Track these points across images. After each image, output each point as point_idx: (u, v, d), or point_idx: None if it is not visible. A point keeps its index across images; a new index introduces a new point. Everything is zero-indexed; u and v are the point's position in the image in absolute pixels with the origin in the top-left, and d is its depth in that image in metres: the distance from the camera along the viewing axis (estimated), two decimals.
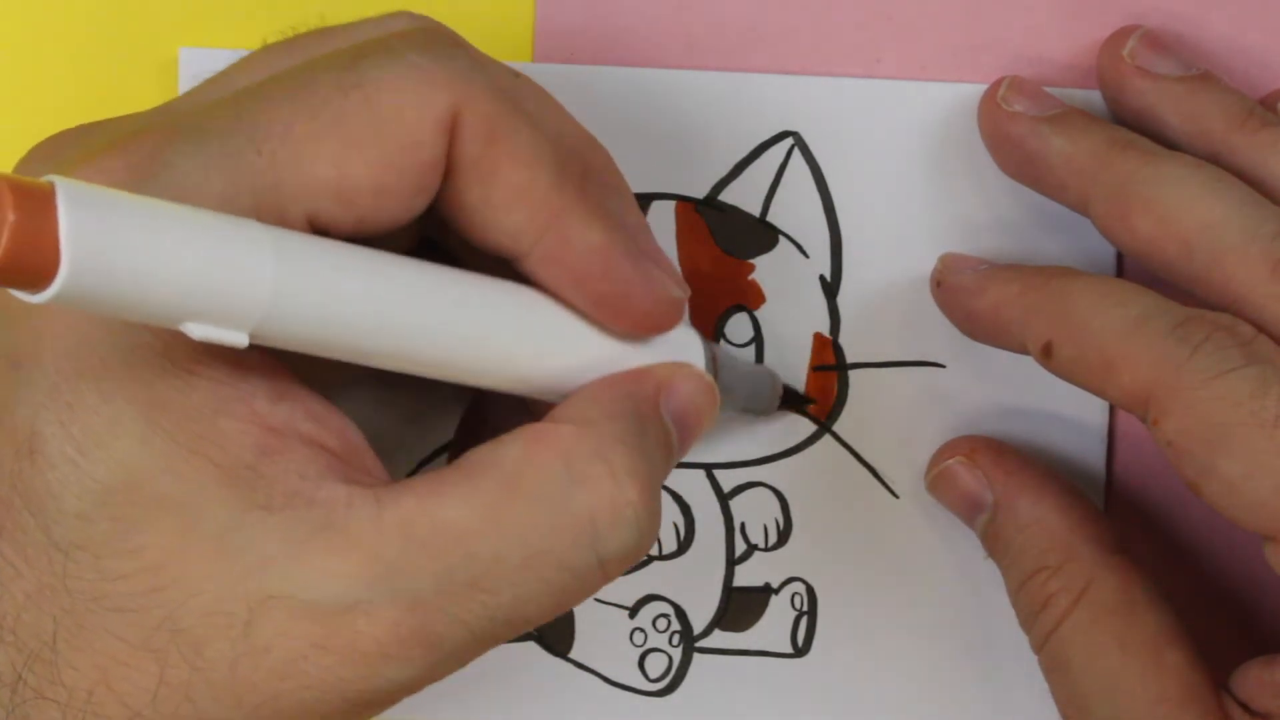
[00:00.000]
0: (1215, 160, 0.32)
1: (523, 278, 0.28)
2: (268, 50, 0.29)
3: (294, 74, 0.26)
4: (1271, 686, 0.30)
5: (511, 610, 0.25)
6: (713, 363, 0.31)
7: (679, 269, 0.35)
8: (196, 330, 0.22)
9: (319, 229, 0.25)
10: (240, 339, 0.23)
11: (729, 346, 0.35)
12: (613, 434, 0.26)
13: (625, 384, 0.28)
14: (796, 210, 0.36)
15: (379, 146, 0.25)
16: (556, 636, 0.36)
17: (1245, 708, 0.31)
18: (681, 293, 0.29)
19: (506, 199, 0.26)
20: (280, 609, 0.24)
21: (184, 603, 0.24)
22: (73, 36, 0.36)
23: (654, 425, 0.28)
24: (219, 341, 0.23)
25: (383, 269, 0.25)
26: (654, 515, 0.26)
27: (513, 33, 0.35)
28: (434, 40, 0.26)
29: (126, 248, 0.21)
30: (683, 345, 0.30)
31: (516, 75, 0.28)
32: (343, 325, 0.24)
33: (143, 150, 0.25)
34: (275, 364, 0.26)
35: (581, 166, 0.28)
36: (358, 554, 0.24)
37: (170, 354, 0.25)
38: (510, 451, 0.26)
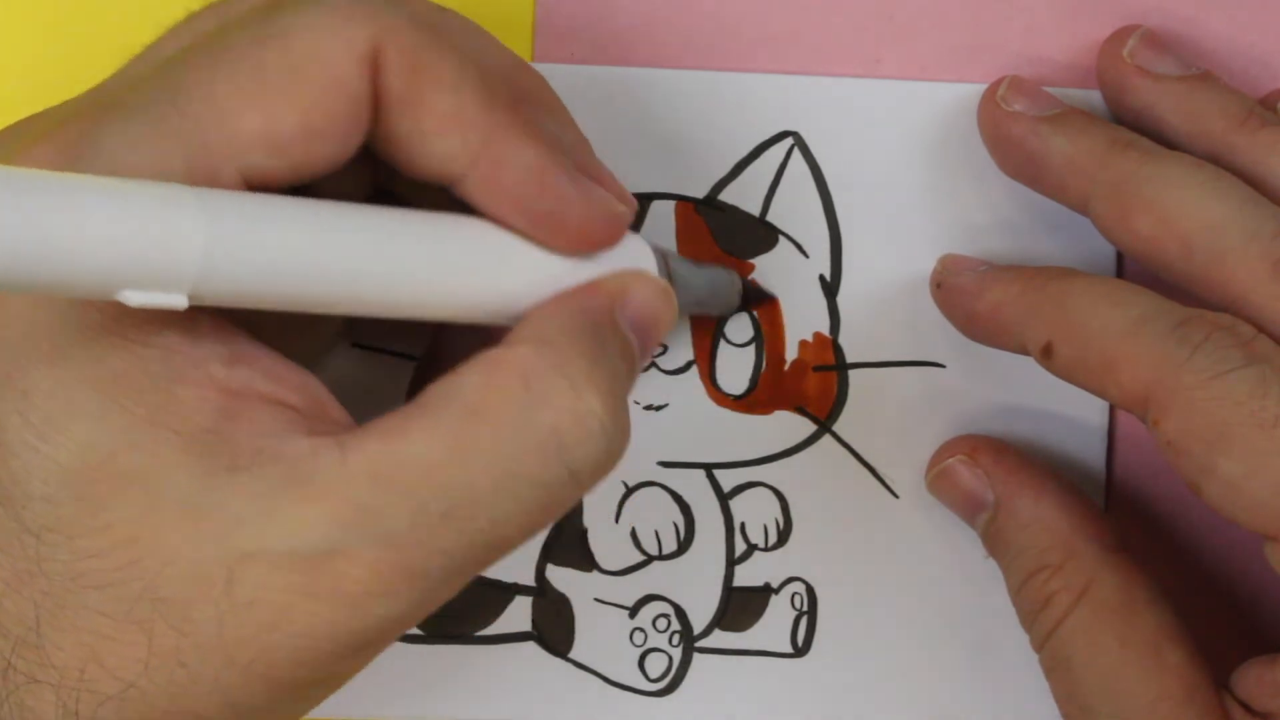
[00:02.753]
0: (1215, 160, 0.32)
1: (467, 209, 0.28)
2: (192, 18, 0.29)
3: (213, 35, 0.26)
4: (1272, 686, 0.30)
5: (491, 533, 0.25)
6: (665, 267, 0.31)
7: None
8: (134, 297, 0.22)
9: (257, 183, 0.25)
10: (179, 301, 0.23)
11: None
12: (570, 348, 0.26)
13: (578, 299, 0.28)
14: (796, 210, 0.36)
15: (302, 90, 0.25)
16: (556, 636, 0.36)
17: (1246, 707, 0.31)
18: (625, 208, 0.29)
19: (437, 126, 0.26)
20: (259, 564, 0.24)
21: (161, 571, 0.24)
22: (73, 37, 0.36)
23: (612, 335, 0.28)
24: (158, 306, 0.23)
25: (316, 214, 0.25)
26: (620, 423, 0.26)
27: (513, 33, 0.35)
28: None
29: (49, 224, 0.21)
30: (632, 255, 0.30)
31: (442, 10, 0.28)
32: (282, 275, 0.24)
33: (71, 134, 0.25)
34: (229, 327, 0.26)
35: (515, 91, 0.28)
36: (328, 500, 0.24)
37: (120, 329, 0.25)
38: (469, 380, 0.26)
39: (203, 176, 0.25)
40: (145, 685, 0.24)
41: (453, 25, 0.28)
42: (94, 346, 0.25)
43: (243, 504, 0.24)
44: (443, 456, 0.25)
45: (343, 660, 0.25)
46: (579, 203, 0.28)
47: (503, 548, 0.26)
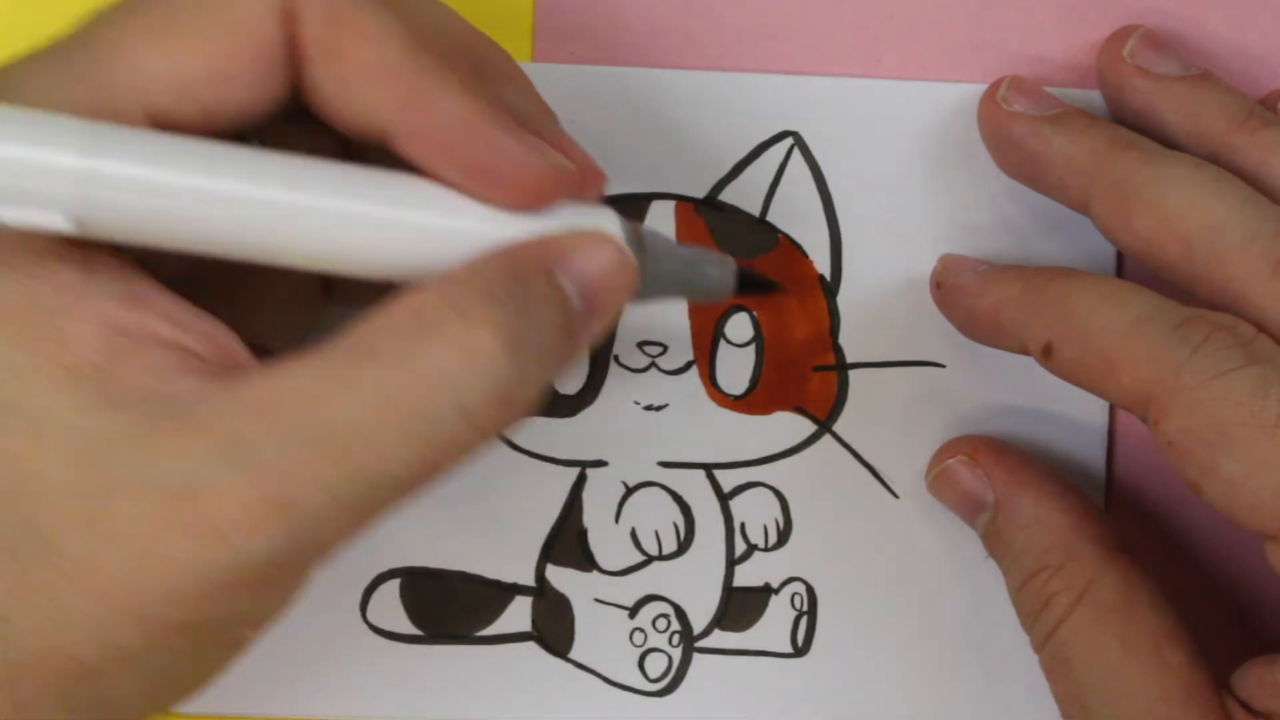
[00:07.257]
0: (1216, 160, 0.32)
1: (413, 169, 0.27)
2: None
3: None
4: (1272, 686, 0.30)
5: (374, 469, 0.24)
6: (637, 241, 0.29)
7: None
8: (8, 213, 0.24)
9: (167, 127, 0.26)
10: (58, 222, 0.24)
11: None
12: (473, 286, 0.25)
13: (511, 249, 0.27)
14: (796, 210, 0.36)
15: (212, 35, 0.26)
16: (556, 636, 0.36)
17: (1246, 707, 0.31)
18: (569, 163, 0.28)
19: (360, 77, 0.26)
20: (126, 496, 0.24)
21: (38, 502, 0.24)
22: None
23: (538, 283, 0.26)
24: (35, 225, 0.24)
25: (217, 154, 0.25)
26: (523, 368, 0.25)
27: (513, 33, 0.35)
28: None
29: None
30: (596, 222, 0.28)
31: None
32: (171, 210, 0.25)
33: None
34: (131, 270, 0.26)
35: (471, 59, 0.28)
36: (200, 433, 0.24)
37: (12, 261, 0.25)
38: (365, 320, 0.25)
39: (106, 115, 0.25)
40: (19, 620, 0.24)
41: None
42: None
43: (120, 438, 0.24)
44: (322, 387, 0.24)
45: (218, 601, 0.24)
46: (514, 151, 0.27)
47: (392, 487, 0.25)
